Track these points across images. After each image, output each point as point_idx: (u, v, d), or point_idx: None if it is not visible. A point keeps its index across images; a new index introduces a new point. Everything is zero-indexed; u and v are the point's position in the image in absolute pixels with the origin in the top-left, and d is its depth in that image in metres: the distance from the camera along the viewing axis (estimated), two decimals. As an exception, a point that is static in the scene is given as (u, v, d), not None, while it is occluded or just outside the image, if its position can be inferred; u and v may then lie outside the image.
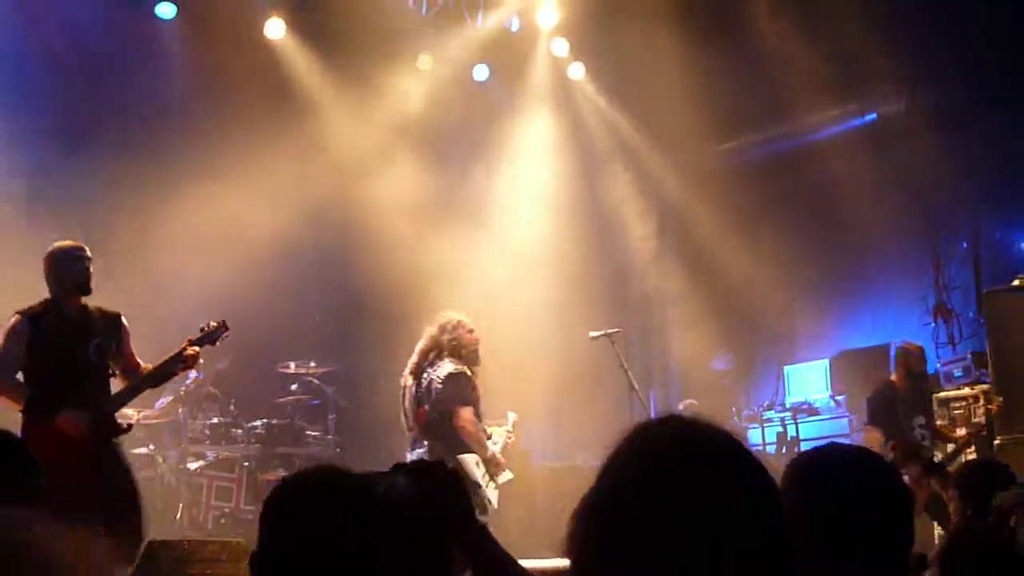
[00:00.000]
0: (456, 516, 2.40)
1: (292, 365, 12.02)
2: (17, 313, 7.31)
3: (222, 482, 11.20)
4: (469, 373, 9.01)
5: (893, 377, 10.99)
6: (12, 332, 7.21)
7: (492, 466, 8.78)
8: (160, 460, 11.01)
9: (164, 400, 11.31)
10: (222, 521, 11.02)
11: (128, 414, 8.97)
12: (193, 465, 11.12)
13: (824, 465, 2.91)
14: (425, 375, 8.95)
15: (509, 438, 9.17)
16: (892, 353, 11.21)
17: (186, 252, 11.88)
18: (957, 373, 12.58)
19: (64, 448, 6.93)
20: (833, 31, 12.44)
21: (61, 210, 11.03)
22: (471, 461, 8.56)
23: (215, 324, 7.88)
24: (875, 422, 10.58)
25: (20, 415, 7.14)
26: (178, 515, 10.77)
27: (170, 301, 11.42)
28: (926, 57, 12.34)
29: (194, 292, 11.50)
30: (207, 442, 11.47)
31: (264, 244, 12.16)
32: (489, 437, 8.91)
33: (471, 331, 9.22)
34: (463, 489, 2.44)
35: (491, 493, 8.63)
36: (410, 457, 8.58)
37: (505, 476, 8.81)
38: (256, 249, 12.06)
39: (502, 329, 12.67)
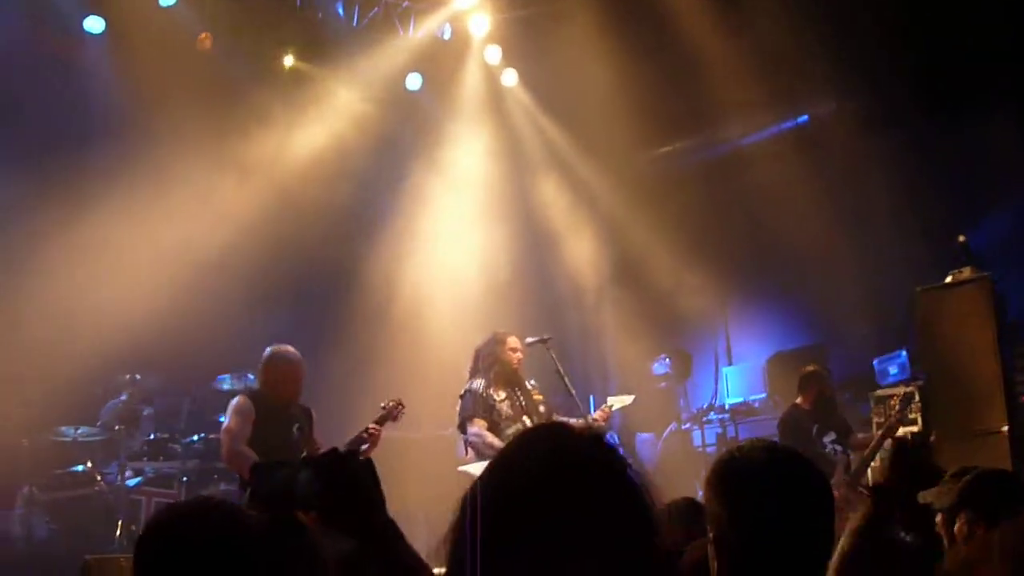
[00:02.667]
0: (358, 506, 2.38)
1: (228, 379, 11.93)
2: (242, 394, 8.72)
3: (161, 498, 11.11)
4: (475, 389, 9.24)
5: (799, 400, 11.12)
6: (242, 410, 8.32)
7: None
8: (98, 477, 10.91)
9: (104, 418, 11.26)
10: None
11: None
12: (131, 482, 11.02)
13: (740, 466, 2.95)
14: None
15: None
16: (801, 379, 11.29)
17: (118, 270, 11.78)
18: (892, 371, 12.72)
19: None
20: (763, 35, 12.49)
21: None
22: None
23: (393, 403, 8.80)
24: (787, 443, 10.67)
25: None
26: (117, 532, 10.66)
27: (99, 323, 11.32)
28: (855, 59, 12.46)
29: (126, 310, 11.41)
30: (145, 458, 11.37)
31: (197, 260, 12.08)
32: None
33: (514, 349, 9.40)
34: (369, 480, 2.39)
35: None
36: None
37: None
38: (189, 265, 11.99)
39: (436, 339, 12.71)
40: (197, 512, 2.64)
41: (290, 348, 8.63)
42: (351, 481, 2.35)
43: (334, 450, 2.42)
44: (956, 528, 4.33)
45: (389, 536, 2.39)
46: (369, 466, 2.41)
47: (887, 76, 12.63)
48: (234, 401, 8.56)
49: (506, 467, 1.98)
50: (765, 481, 2.83)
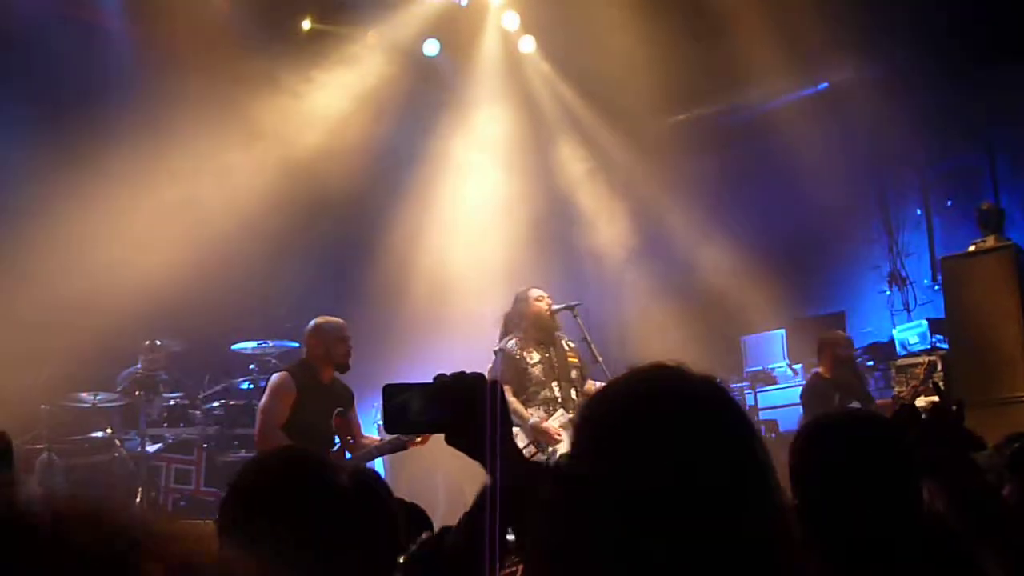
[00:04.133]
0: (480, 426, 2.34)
1: (248, 345, 11.88)
2: (284, 371, 8.32)
3: (181, 464, 11.08)
4: (509, 349, 9.14)
5: (819, 368, 11.05)
6: (280, 390, 8.05)
7: (540, 435, 8.84)
8: (117, 443, 10.87)
9: (122, 385, 11.21)
10: (182, 504, 10.91)
11: None
12: (151, 448, 10.98)
13: (829, 429, 2.94)
14: None
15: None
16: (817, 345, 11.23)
17: (136, 234, 11.73)
18: (913, 340, 12.68)
19: None
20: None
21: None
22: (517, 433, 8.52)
23: None
24: (809, 412, 10.65)
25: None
26: (137, 498, 10.62)
27: (117, 287, 11.29)
28: (876, 22, 12.33)
29: (145, 275, 11.37)
30: (165, 424, 11.33)
31: (216, 224, 12.02)
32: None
33: (538, 299, 9.31)
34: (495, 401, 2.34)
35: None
36: None
37: (562, 447, 8.75)
38: (207, 229, 11.92)
39: (457, 301, 12.67)
40: (289, 464, 2.58)
41: (337, 319, 8.44)
42: (474, 401, 2.29)
43: (462, 372, 2.36)
44: (1005, 493, 4.28)
45: (512, 457, 2.34)
46: (495, 387, 2.34)
47: (907, 39, 12.49)
48: (274, 378, 8.31)
49: (625, 396, 1.90)
50: (857, 442, 2.82)
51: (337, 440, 8.10)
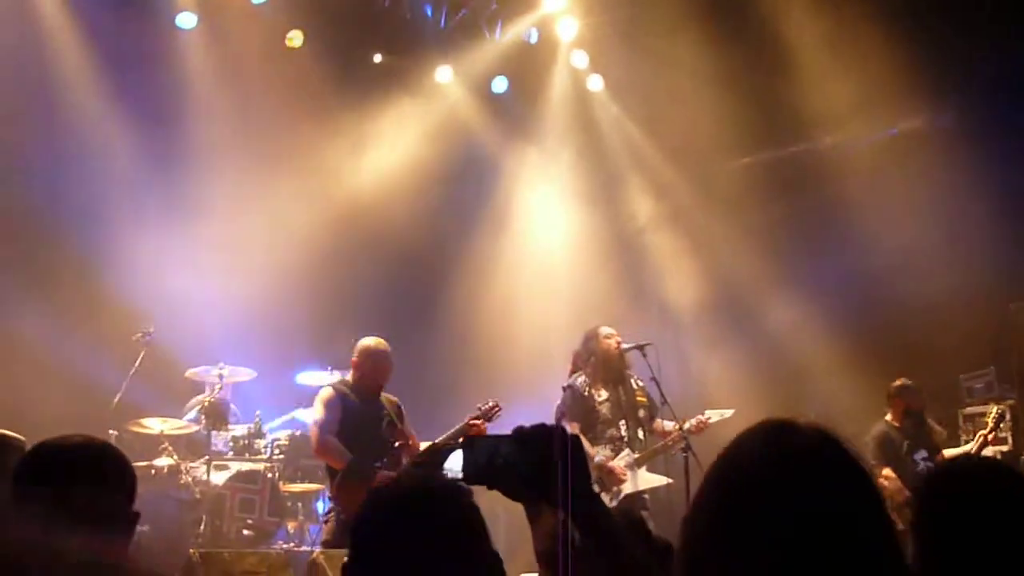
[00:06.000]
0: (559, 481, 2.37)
1: (313, 376, 11.92)
2: (329, 386, 8.96)
3: (245, 494, 11.11)
4: (577, 387, 9.18)
5: (888, 416, 10.98)
6: (327, 402, 8.63)
7: (605, 474, 8.85)
8: (184, 471, 10.92)
9: (191, 414, 11.29)
10: (245, 532, 10.93)
11: None
12: (216, 478, 11.02)
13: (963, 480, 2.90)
14: None
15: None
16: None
17: (204, 262, 11.89)
18: (979, 387, 12.53)
19: None
20: (856, 45, 12.35)
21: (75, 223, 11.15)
22: None
23: (490, 404, 8.93)
24: (880, 461, 10.57)
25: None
26: (202, 527, 10.66)
27: (189, 317, 11.44)
28: (948, 68, 12.26)
29: (214, 305, 11.51)
30: (230, 454, 11.39)
31: (286, 255, 12.18)
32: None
33: (608, 337, 9.35)
34: (575, 455, 2.38)
35: None
36: None
37: (627, 487, 8.77)
38: (279, 258, 12.09)
39: (524, 344, 12.67)
40: (434, 493, 2.59)
41: (380, 340, 8.91)
42: (557, 455, 2.33)
43: (542, 425, 2.41)
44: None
45: (596, 510, 2.36)
46: (577, 440, 2.41)
47: (981, 86, 12.42)
48: (321, 392, 8.86)
49: (731, 464, 1.94)
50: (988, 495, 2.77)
51: (395, 445, 8.62)
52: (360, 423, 8.57)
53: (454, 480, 2.56)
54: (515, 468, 2.38)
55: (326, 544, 8.31)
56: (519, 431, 2.41)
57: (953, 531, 2.73)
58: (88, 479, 3.08)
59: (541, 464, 2.35)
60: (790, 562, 1.73)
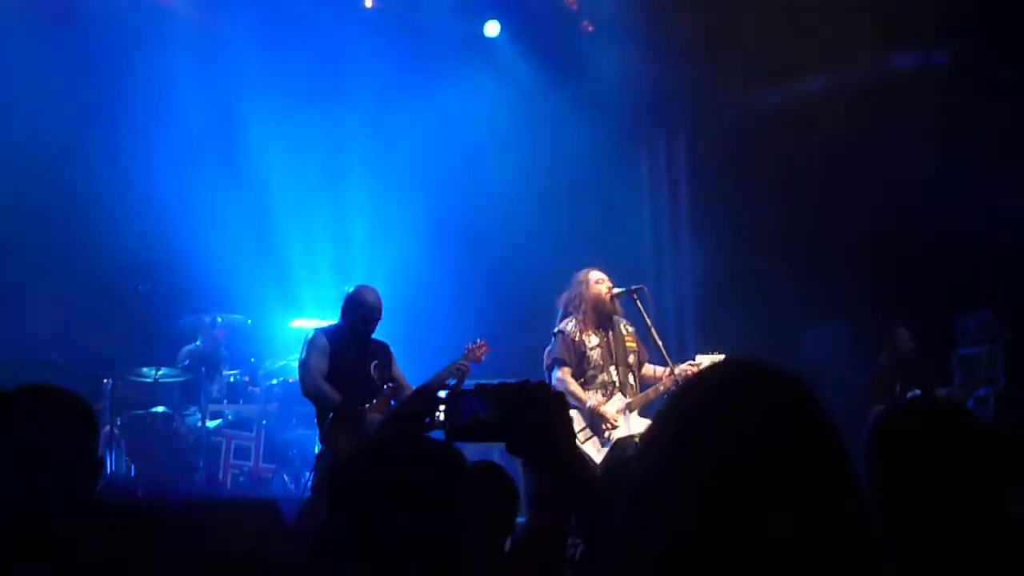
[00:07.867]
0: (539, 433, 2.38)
1: (308, 322, 11.93)
2: (317, 329, 9.08)
3: (240, 440, 11.17)
4: (568, 331, 9.04)
5: (881, 358, 11.03)
6: (314, 345, 8.73)
7: (597, 418, 8.80)
8: (178, 419, 10.96)
9: (185, 362, 11.32)
10: (241, 479, 10.99)
11: None
12: (212, 424, 11.07)
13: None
14: None
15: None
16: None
17: (200, 208, 11.87)
18: (972, 327, 12.47)
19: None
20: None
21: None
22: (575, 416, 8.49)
23: (479, 343, 8.95)
24: (875, 399, 10.63)
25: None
26: (197, 474, 10.72)
27: (181, 263, 11.44)
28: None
29: (208, 251, 11.53)
30: (225, 401, 11.43)
31: (274, 201, 12.24)
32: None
33: (598, 281, 9.20)
34: (557, 413, 2.39)
35: (588, 448, 8.55)
36: None
37: (618, 432, 8.75)
38: (270, 206, 12.11)
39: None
40: (411, 448, 2.58)
41: (369, 287, 8.98)
42: (540, 410, 2.35)
43: (526, 381, 2.44)
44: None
45: (577, 465, 2.38)
46: (559, 397, 2.45)
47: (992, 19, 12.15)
48: (308, 335, 8.97)
49: (685, 392, 1.91)
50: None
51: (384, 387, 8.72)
52: (349, 366, 8.67)
53: (440, 442, 2.57)
54: (495, 427, 2.43)
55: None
56: (502, 388, 2.44)
57: (896, 470, 2.73)
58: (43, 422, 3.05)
59: (521, 424, 2.40)
60: (722, 491, 1.71)
